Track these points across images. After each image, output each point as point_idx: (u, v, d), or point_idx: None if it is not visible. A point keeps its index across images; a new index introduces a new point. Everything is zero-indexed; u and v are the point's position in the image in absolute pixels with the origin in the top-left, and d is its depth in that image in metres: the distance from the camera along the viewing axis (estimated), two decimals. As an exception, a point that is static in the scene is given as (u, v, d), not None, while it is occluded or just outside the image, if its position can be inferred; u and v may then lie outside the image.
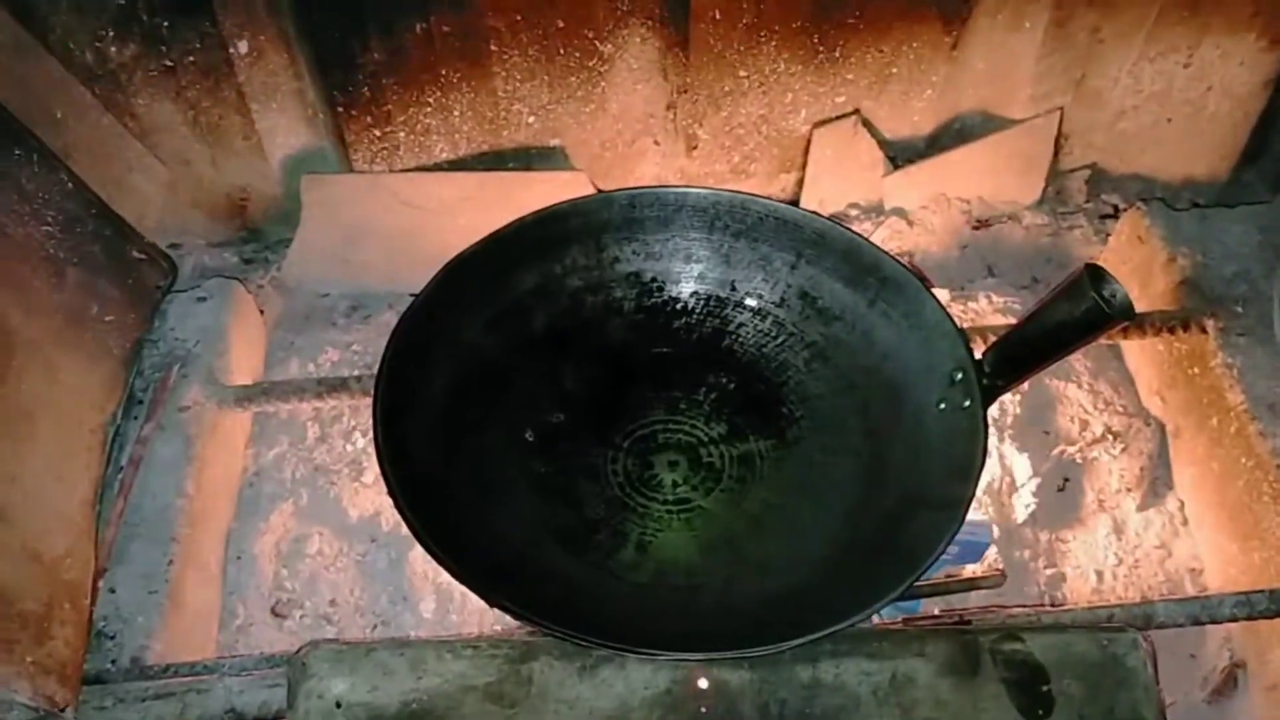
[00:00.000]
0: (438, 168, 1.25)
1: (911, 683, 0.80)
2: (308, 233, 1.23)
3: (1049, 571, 1.06)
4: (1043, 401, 1.15)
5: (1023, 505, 1.09)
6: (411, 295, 1.22)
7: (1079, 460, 1.12)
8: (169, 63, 1.10)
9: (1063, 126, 1.27)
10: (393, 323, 1.20)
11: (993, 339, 0.91)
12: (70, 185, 0.99)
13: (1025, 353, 0.85)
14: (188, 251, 1.26)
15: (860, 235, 0.97)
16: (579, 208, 1.00)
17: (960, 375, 0.87)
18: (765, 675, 0.79)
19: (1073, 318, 0.79)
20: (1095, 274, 0.79)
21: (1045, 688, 0.80)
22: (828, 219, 0.98)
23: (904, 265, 0.94)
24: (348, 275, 1.25)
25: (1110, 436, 1.13)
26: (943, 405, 0.88)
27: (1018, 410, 1.14)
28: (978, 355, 0.88)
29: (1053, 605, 0.92)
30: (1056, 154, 1.30)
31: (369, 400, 1.05)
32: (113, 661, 0.87)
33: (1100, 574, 1.07)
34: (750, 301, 1.02)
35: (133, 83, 1.11)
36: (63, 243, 0.97)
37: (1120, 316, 0.78)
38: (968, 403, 0.86)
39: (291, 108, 1.17)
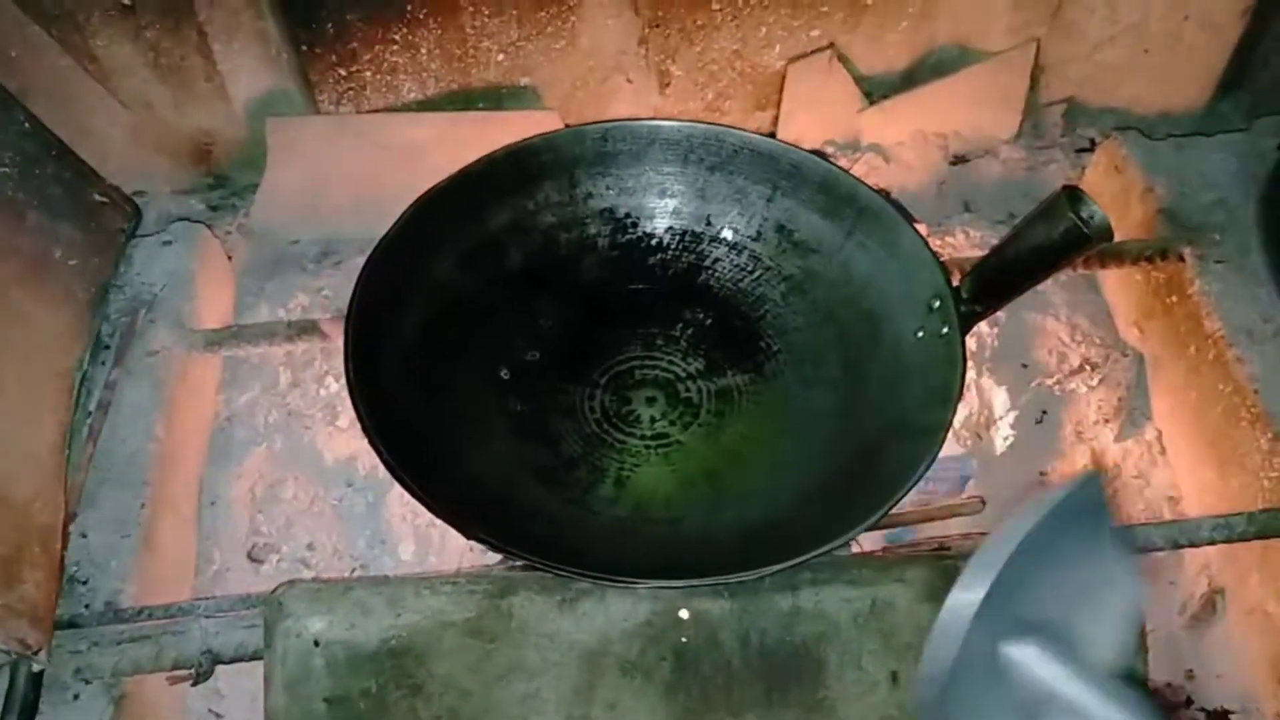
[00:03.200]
0: (406, 108, 1.22)
1: (891, 608, 0.80)
2: (274, 177, 1.21)
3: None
4: (1020, 334, 1.15)
5: (1001, 438, 1.09)
6: (383, 239, 1.21)
7: (1057, 392, 1.12)
8: (127, 2, 1.07)
9: (1039, 59, 1.26)
10: (363, 267, 1.20)
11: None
12: (28, 126, 0.97)
13: (1003, 277, 0.84)
14: (152, 198, 1.23)
15: (837, 166, 0.96)
16: (551, 142, 0.99)
17: (938, 302, 0.87)
18: (745, 605, 0.79)
19: (1050, 239, 0.79)
20: (1073, 195, 0.78)
21: (1025, 611, 0.80)
22: (804, 151, 0.96)
23: (881, 195, 0.93)
24: (316, 220, 1.23)
25: (1088, 368, 1.13)
26: (920, 334, 0.88)
27: (995, 344, 1.13)
28: (955, 283, 0.87)
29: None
30: (1033, 87, 1.29)
31: (341, 343, 1.04)
32: (86, 606, 0.86)
33: (1079, 504, 1.07)
34: (726, 235, 1.01)
35: (90, 23, 1.08)
36: (21, 185, 0.94)
37: (1098, 237, 0.77)
38: (945, 329, 0.85)
39: (254, 48, 1.14)
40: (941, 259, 0.89)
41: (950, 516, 0.88)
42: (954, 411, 0.79)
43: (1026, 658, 0.50)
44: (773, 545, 0.78)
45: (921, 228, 1.14)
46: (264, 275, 1.18)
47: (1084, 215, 0.77)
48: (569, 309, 0.99)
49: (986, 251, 1.17)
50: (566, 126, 1.17)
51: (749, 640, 0.79)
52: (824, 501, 0.83)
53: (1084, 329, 1.16)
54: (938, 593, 0.80)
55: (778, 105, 1.27)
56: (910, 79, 1.28)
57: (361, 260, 1.18)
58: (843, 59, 1.24)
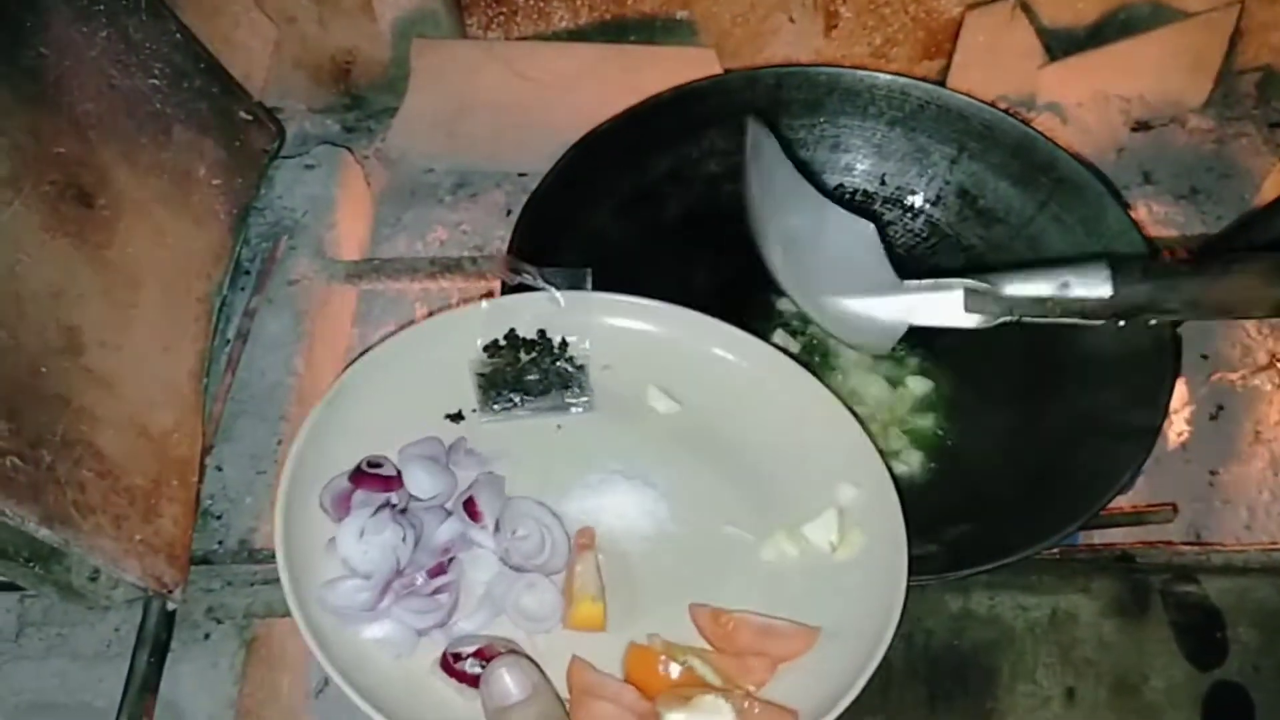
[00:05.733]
0: (556, 37, 1.16)
1: (1073, 620, 0.74)
2: (415, 101, 1.16)
3: (1196, 505, 0.99)
4: (1203, 325, 1.06)
5: (1174, 433, 1.01)
6: (520, 174, 1.16)
7: (1238, 389, 1.03)
8: (280, -91, 1.03)
9: (1239, 22, 1.15)
10: (501, 203, 1.15)
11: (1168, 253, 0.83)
12: (179, 36, 0.93)
13: (1230, 269, 0.76)
14: (288, 116, 1.19)
15: (1035, 129, 0.88)
16: (721, 86, 0.93)
17: (1146, 290, 0.79)
18: (911, 602, 0.73)
19: (1294, 232, 0.71)
20: (1324, 184, 0.70)
21: (1219, 634, 0.74)
22: (998, 110, 0.89)
23: (1085, 166, 0.85)
24: (453, 149, 1.18)
25: (1276, 364, 1.04)
26: (1123, 322, 0.80)
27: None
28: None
29: (1215, 544, 0.85)
30: (1228, 53, 1.18)
31: (481, 284, 1.00)
32: (220, 542, 0.84)
33: (1252, 510, 0.99)
34: (902, 198, 0.93)
35: (240, -70, 1.04)
36: (169, 98, 0.90)
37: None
38: (1154, 320, 0.77)
39: (404, -37, 1.09)
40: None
41: (1137, 524, 0.81)
42: (1165, 414, 0.72)
43: None
44: (949, 543, 0.72)
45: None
46: (401, 205, 1.14)
47: (1335, 207, 0.69)
48: (726, 266, 0.93)
49: (1169, 228, 1.10)
50: (726, 71, 1.10)
51: (914, 641, 0.74)
52: (1005, 498, 0.77)
53: (1274, 322, 1.07)
54: (1125, 607, 0.74)
55: (949, 55, 1.18)
56: (1097, 35, 1.18)
57: (499, 195, 1.15)
58: (1025, 9, 1.15)
